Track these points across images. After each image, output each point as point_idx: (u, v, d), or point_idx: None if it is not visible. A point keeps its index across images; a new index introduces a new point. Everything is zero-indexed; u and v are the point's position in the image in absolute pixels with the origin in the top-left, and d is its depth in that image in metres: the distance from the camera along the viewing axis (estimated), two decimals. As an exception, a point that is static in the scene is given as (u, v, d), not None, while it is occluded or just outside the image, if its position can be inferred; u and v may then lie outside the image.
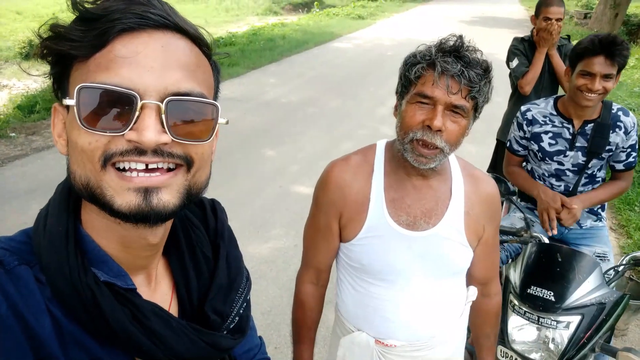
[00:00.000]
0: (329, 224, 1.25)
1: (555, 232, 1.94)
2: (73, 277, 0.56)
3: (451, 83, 1.03)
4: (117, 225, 0.58)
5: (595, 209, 2.14)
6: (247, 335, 0.81)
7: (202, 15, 19.22)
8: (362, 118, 6.42)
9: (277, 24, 14.80)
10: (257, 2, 22.80)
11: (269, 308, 2.90)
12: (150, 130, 0.52)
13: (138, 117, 0.53)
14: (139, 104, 0.52)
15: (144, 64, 0.53)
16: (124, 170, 0.54)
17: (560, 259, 1.58)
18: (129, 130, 0.53)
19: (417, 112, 1.08)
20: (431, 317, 1.25)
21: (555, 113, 2.06)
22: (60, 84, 0.58)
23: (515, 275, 1.61)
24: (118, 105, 0.52)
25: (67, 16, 0.56)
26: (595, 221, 2.15)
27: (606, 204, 2.21)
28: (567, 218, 1.92)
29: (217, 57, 0.66)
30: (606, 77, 1.83)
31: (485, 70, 1.07)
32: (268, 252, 3.47)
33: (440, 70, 1.03)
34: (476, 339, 1.42)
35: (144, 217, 0.55)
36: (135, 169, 0.54)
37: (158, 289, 0.71)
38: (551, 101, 2.10)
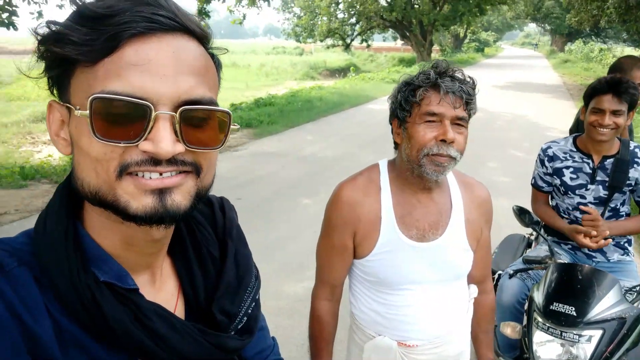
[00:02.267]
0: (343, 242, 1.34)
1: (603, 243, 1.95)
2: (73, 277, 0.56)
3: (454, 99, 1.20)
4: (120, 224, 0.57)
5: (622, 243, 2.21)
6: (259, 336, 0.81)
7: (243, 79, 20.33)
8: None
9: (315, 87, 15.53)
10: (295, 67, 24.06)
11: (302, 341, 2.98)
12: (166, 141, 0.52)
13: (152, 127, 0.52)
14: (154, 114, 0.52)
15: (156, 71, 0.52)
16: (137, 175, 0.54)
17: (580, 277, 1.66)
18: (144, 140, 0.52)
19: (427, 130, 1.21)
20: (445, 316, 1.36)
21: (575, 149, 2.20)
22: (60, 84, 0.57)
23: (539, 295, 1.69)
24: (131, 115, 0.52)
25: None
26: (623, 255, 2.20)
27: (632, 239, 2.27)
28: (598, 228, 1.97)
29: (219, 55, 0.65)
30: (615, 113, 1.99)
31: (474, 84, 1.25)
32: (302, 291, 3.58)
33: (445, 90, 1.20)
34: (475, 336, 1.50)
35: (160, 218, 0.55)
36: (149, 176, 0.54)
37: (163, 289, 0.69)
38: (570, 139, 2.25)
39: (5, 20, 7.44)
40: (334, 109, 11.97)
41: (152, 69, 0.52)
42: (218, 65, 0.64)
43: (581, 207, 2.14)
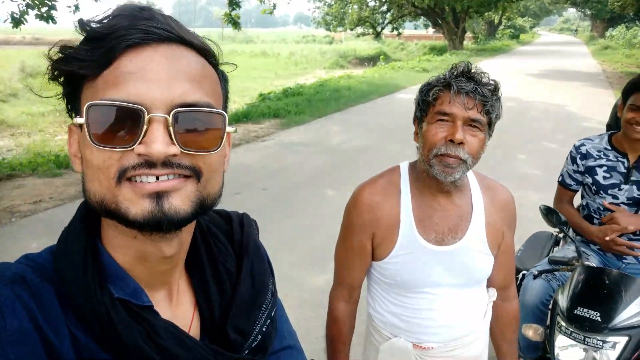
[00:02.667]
0: (362, 244, 1.33)
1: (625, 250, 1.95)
2: (90, 293, 0.57)
3: (466, 100, 1.17)
4: (133, 240, 0.59)
5: (654, 244, 2.11)
6: (287, 354, 0.80)
7: (272, 68, 20.41)
8: (422, 163, 6.53)
9: (343, 76, 15.46)
10: (324, 56, 23.97)
11: (324, 333, 3.00)
12: (158, 142, 0.53)
13: (146, 130, 0.53)
14: (146, 117, 0.53)
15: (150, 77, 0.54)
16: (136, 181, 0.55)
17: (607, 282, 1.60)
18: (138, 144, 0.53)
19: (439, 130, 1.19)
20: (462, 320, 1.34)
21: (609, 148, 2.11)
22: (73, 104, 0.60)
23: (563, 299, 1.65)
24: (126, 121, 0.53)
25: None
26: (656, 256, 2.11)
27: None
28: (622, 220, 1.96)
29: (224, 66, 0.67)
30: None
31: (495, 87, 1.21)
32: (324, 282, 3.59)
33: (456, 89, 1.17)
34: (499, 347, 1.47)
35: (157, 223, 0.55)
36: (147, 182, 0.55)
37: (179, 306, 0.69)
38: (606, 137, 2.16)
39: (45, 14, 7.72)
40: (362, 98, 11.88)
41: (146, 76, 0.54)
42: (223, 78, 0.66)
43: (604, 202, 2.05)
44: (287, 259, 3.80)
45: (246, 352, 0.70)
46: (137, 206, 0.54)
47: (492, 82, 1.22)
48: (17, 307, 0.54)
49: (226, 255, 0.75)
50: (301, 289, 3.46)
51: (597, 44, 35.07)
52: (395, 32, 28.78)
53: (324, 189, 5.54)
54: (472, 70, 1.21)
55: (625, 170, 2.06)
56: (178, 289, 0.70)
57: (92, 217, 0.63)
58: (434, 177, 1.25)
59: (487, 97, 1.18)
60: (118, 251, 0.62)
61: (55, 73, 0.57)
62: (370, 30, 28.53)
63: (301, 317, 3.09)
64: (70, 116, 0.60)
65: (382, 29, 29.18)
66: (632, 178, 2.04)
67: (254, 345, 0.71)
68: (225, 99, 0.67)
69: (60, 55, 0.56)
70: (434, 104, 1.22)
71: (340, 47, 30.21)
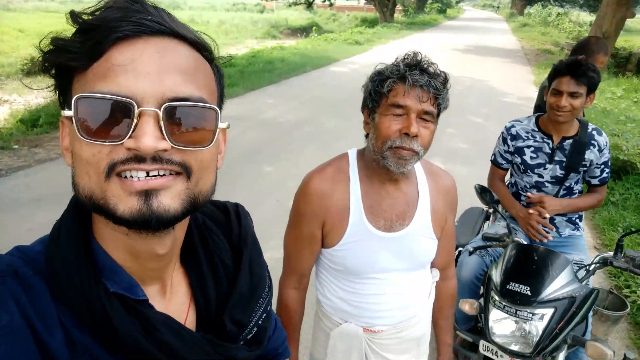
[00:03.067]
0: (312, 232, 1.34)
1: (550, 238, 2.16)
2: (84, 288, 0.56)
3: (421, 93, 1.18)
4: (124, 236, 0.58)
5: (574, 219, 2.31)
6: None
7: (202, 37, 19.50)
8: (355, 138, 6.54)
9: (276, 47, 15.15)
10: (256, 25, 23.31)
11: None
12: (148, 137, 0.52)
13: (136, 124, 0.52)
14: (137, 111, 0.52)
15: (140, 70, 0.53)
16: (125, 177, 0.53)
17: (536, 258, 1.72)
18: (128, 138, 0.52)
19: (393, 123, 1.20)
20: (409, 302, 1.39)
21: (536, 129, 2.25)
22: (64, 96, 0.58)
23: (496, 274, 1.75)
24: (116, 114, 0.52)
25: (70, 32, 0.58)
26: (573, 230, 2.31)
27: (583, 215, 2.38)
28: (549, 205, 2.16)
29: (220, 62, 0.66)
30: (573, 95, 2.04)
31: (445, 79, 1.23)
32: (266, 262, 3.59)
33: (411, 82, 1.18)
34: (436, 322, 1.55)
35: (145, 221, 0.54)
36: (137, 177, 0.53)
37: (174, 299, 0.69)
38: (533, 119, 2.29)
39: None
40: (296, 70, 11.74)
41: (136, 69, 0.53)
42: (218, 73, 0.64)
43: (528, 193, 2.23)
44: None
45: (242, 343, 0.71)
46: (125, 203, 0.53)
47: (442, 74, 1.23)
48: (9, 302, 0.53)
49: (222, 247, 0.75)
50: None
51: (517, 21, 36.90)
52: (327, 3, 28.48)
53: (259, 165, 5.47)
54: (423, 61, 1.22)
55: (550, 151, 2.20)
56: (172, 283, 0.69)
57: (83, 210, 0.62)
58: (385, 167, 1.26)
59: (439, 90, 1.19)
60: (110, 246, 0.61)
61: (46, 65, 0.56)
62: (302, 0, 28.04)
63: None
64: (62, 108, 0.59)
65: (315, -2, 28.76)
66: (556, 158, 2.20)
67: (249, 337, 0.72)
68: (221, 94, 0.65)
69: (51, 46, 0.54)
70: (387, 96, 1.21)
71: (272, 17, 29.46)
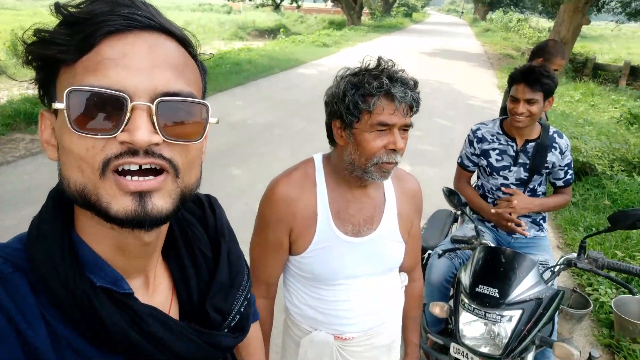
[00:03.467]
0: (279, 239, 1.30)
1: (527, 233, 2.20)
2: (69, 283, 0.56)
3: (406, 108, 1.17)
4: (110, 230, 0.58)
5: (538, 220, 2.36)
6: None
7: (168, 38, 19.12)
8: (324, 140, 6.59)
9: (244, 49, 15.02)
10: (223, 26, 23.05)
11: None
12: (142, 130, 0.52)
13: (129, 118, 0.52)
14: (130, 105, 0.52)
15: (132, 64, 0.53)
16: (120, 173, 0.54)
17: (503, 260, 1.74)
18: (121, 132, 0.52)
19: (378, 140, 1.17)
20: (379, 307, 1.38)
21: (501, 132, 2.29)
22: (46, 90, 0.58)
23: (465, 277, 1.77)
24: (108, 108, 0.52)
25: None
26: (538, 231, 2.36)
27: (547, 216, 2.44)
28: (520, 202, 2.20)
29: (201, 57, 0.67)
30: (529, 101, 2.09)
31: (415, 85, 1.22)
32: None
33: (400, 101, 1.15)
34: (403, 323, 1.54)
35: (140, 222, 0.54)
36: (129, 171, 0.54)
37: (157, 291, 0.70)
38: (498, 122, 2.33)
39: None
40: (263, 72, 11.66)
41: (127, 63, 0.53)
42: (202, 69, 0.66)
43: (503, 188, 2.26)
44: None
45: (225, 330, 0.73)
46: (119, 203, 0.54)
47: (415, 82, 1.22)
48: None
49: (201, 239, 0.76)
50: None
51: (480, 26, 37.90)
52: (294, 5, 28.52)
53: (228, 168, 5.39)
54: (398, 71, 1.20)
55: (514, 154, 2.25)
56: (155, 275, 0.70)
57: (64, 204, 0.61)
58: (359, 177, 1.25)
59: (418, 102, 1.19)
60: (94, 240, 0.61)
61: (30, 57, 0.55)
62: (270, 2, 27.95)
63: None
64: (43, 102, 0.59)
65: (282, 0, 28.73)
66: (520, 160, 2.24)
67: (232, 324, 0.74)
68: (204, 90, 0.67)
69: (34, 38, 0.54)
70: (370, 112, 1.16)
71: (239, 18, 29.19)
